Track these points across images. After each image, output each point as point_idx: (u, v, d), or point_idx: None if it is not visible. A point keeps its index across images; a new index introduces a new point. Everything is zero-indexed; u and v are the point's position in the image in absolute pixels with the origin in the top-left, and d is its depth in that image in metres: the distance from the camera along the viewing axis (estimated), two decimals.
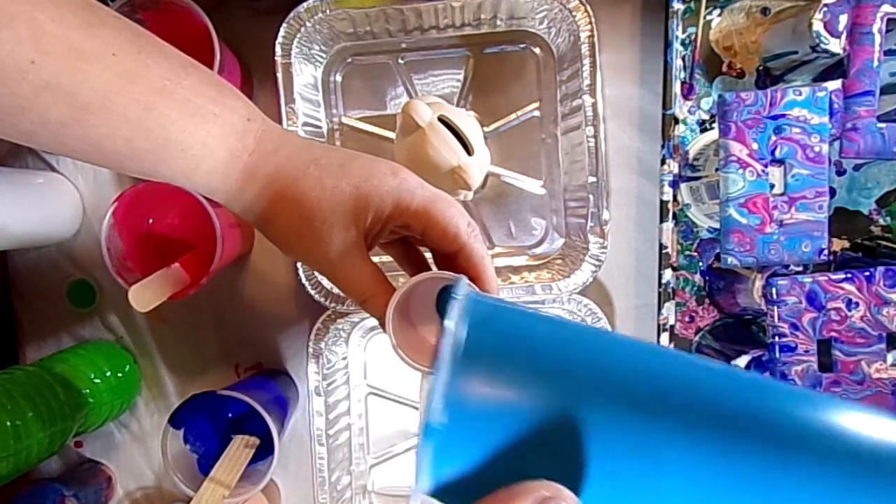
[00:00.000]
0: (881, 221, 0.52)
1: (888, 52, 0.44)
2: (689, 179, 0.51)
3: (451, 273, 0.34)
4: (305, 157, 0.32)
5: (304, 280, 0.53)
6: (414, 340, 0.36)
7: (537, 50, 0.54)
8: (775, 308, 0.43)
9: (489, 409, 0.17)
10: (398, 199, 0.32)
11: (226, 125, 0.30)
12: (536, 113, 0.54)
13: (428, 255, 0.40)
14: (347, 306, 0.53)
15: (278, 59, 0.51)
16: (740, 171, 0.42)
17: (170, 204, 0.54)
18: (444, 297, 0.37)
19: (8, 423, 0.44)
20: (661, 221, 0.50)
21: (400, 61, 0.55)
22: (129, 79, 0.27)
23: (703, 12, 0.50)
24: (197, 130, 0.29)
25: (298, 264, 0.53)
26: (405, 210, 0.32)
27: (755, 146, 0.42)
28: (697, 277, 0.54)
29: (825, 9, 0.43)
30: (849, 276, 0.43)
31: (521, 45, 0.54)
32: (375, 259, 0.35)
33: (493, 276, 0.35)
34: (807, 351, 0.43)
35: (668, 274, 0.50)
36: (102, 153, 0.29)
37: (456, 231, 0.33)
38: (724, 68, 0.52)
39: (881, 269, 0.43)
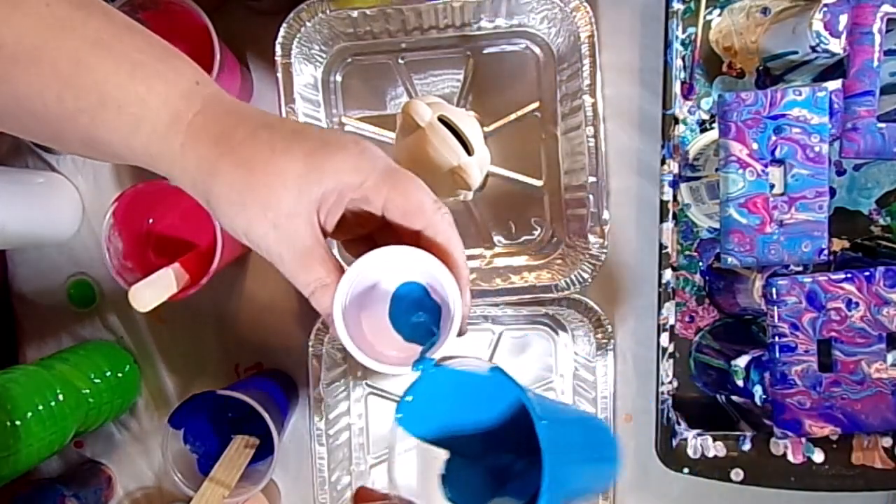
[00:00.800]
0: (881, 221, 0.52)
1: (888, 52, 0.44)
2: (689, 179, 0.51)
3: (408, 247, 0.30)
4: (256, 121, 0.29)
5: None
6: (363, 336, 0.33)
7: (537, 50, 0.54)
8: (775, 308, 0.43)
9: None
10: (356, 167, 0.29)
11: (169, 84, 0.28)
12: (536, 113, 0.54)
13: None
14: None
15: (278, 59, 0.51)
16: (740, 171, 0.42)
17: (170, 204, 0.54)
18: (402, 292, 0.33)
19: (8, 423, 0.44)
20: (661, 221, 0.50)
21: (400, 61, 0.55)
22: (62, 30, 0.25)
23: (703, 12, 0.50)
24: (136, 87, 0.27)
25: None
26: (363, 180, 0.29)
27: (755, 146, 0.42)
28: (697, 277, 0.54)
29: (825, 9, 0.43)
30: (849, 276, 0.43)
31: (521, 45, 0.54)
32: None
33: (461, 258, 0.31)
34: (807, 351, 0.43)
35: (668, 274, 0.50)
36: (34, 114, 0.27)
37: (419, 205, 0.30)
38: (724, 68, 0.52)
39: (881, 269, 0.43)
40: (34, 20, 0.25)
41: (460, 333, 0.31)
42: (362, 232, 0.33)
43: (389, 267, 0.32)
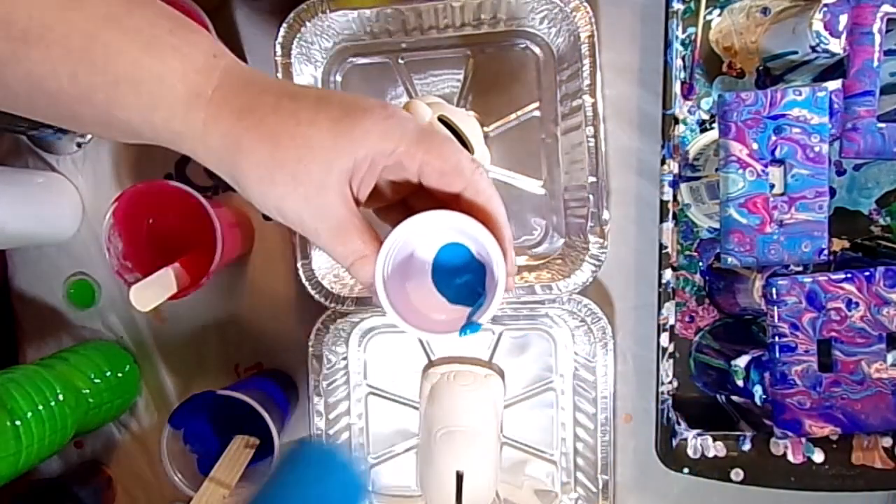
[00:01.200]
0: (881, 221, 0.52)
1: (888, 52, 0.44)
2: (689, 179, 0.51)
3: (446, 211, 0.29)
4: (278, 91, 0.28)
5: (304, 280, 0.53)
6: (404, 301, 0.33)
7: (537, 50, 0.54)
8: (775, 308, 0.43)
9: None
10: (386, 132, 0.28)
11: (186, 59, 0.27)
12: (536, 113, 0.54)
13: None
14: (347, 306, 0.53)
15: (278, 59, 0.51)
16: (740, 171, 0.42)
17: (170, 204, 0.54)
18: (444, 254, 0.33)
19: (8, 423, 0.44)
20: (661, 221, 0.50)
21: (400, 61, 0.55)
22: (71, 6, 0.25)
23: (703, 12, 0.50)
24: (151, 63, 0.26)
25: (299, 264, 0.53)
26: (395, 146, 0.28)
27: (755, 146, 0.42)
28: (697, 277, 0.54)
29: (825, 9, 0.43)
30: (849, 276, 0.43)
31: (521, 45, 0.54)
32: None
33: (502, 217, 0.30)
34: (807, 351, 0.43)
35: (668, 274, 0.50)
36: (49, 95, 0.26)
37: (457, 166, 0.29)
38: (724, 68, 0.52)
39: (881, 269, 0.43)
40: None
41: (507, 290, 0.31)
42: (397, 198, 0.32)
43: (429, 232, 0.31)
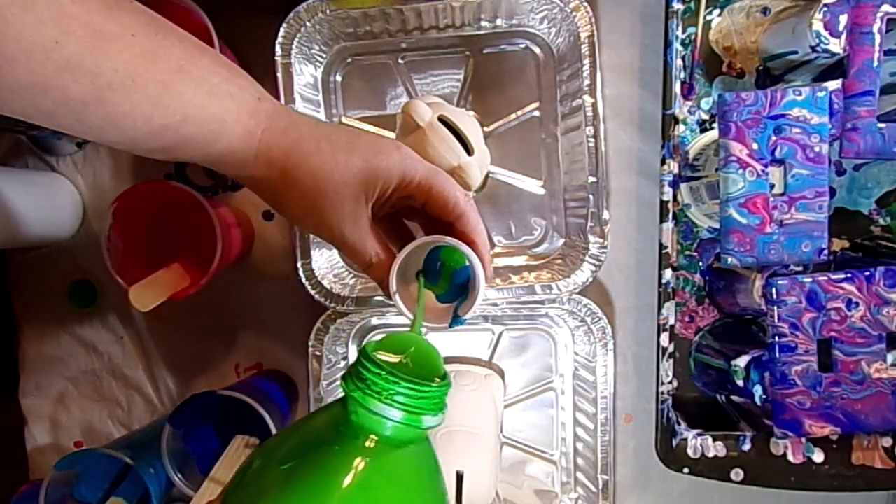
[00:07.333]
0: (881, 221, 0.52)
1: (888, 52, 0.44)
2: (689, 179, 0.51)
3: (442, 237, 0.37)
4: (316, 133, 0.34)
5: (304, 280, 0.53)
6: (406, 295, 0.40)
7: (537, 50, 0.54)
8: (775, 308, 0.43)
9: None
10: (403, 172, 0.35)
11: (240, 103, 0.32)
12: (536, 113, 0.54)
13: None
14: (347, 306, 0.53)
15: (278, 59, 0.51)
16: (740, 171, 0.42)
17: (170, 204, 0.54)
18: (430, 259, 0.41)
19: None
20: (661, 221, 0.50)
21: (400, 61, 0.55)
22: (149, 59, 0.29)
23: (703, 12, 0.50)
24: (214, 108, 0.31)
25: (299, 264, 0.53)
26: (410, 182, 0.35)
27: (755, 146, 0.42)
28: (697, 277, 0.54)
29: (825, 9, 0.43)
30: (849, 276, 0.43)
31: (521, 45, 0.54)
32: None
33: (485, 240, 0.38)
34: (807, 351, 0.43)
35: (668, 274, 0.50)
36: (121, 131, 0.30)
37: (455, 201, 0.37)
38: (724, 68, 0.52)
39: (881, 269, 0.43)
40: (123, 50, 0.28)
41: (486, 281, 0.39)
42: (392, 211, 0.40)
43: (429, 247, 0.39)
